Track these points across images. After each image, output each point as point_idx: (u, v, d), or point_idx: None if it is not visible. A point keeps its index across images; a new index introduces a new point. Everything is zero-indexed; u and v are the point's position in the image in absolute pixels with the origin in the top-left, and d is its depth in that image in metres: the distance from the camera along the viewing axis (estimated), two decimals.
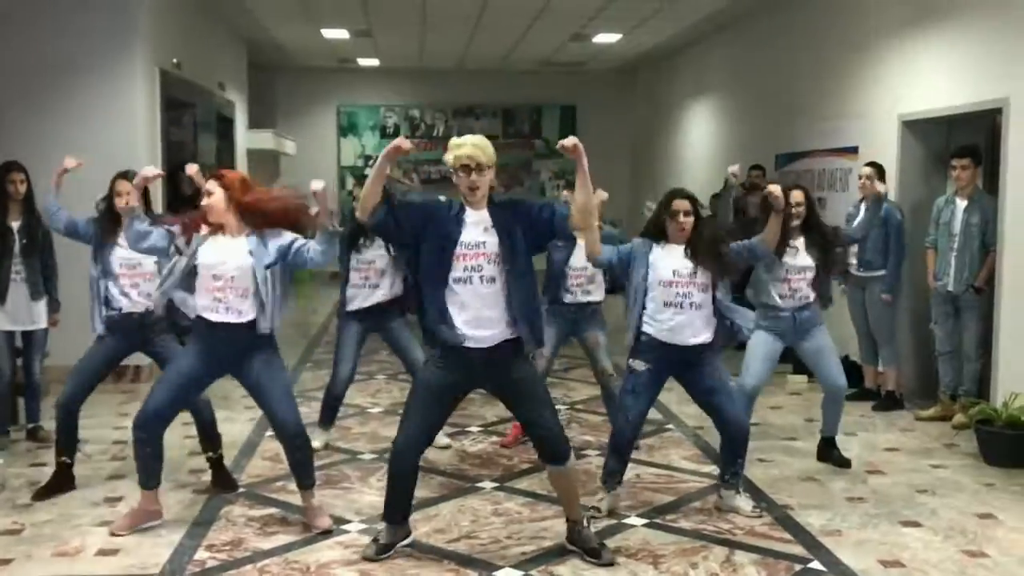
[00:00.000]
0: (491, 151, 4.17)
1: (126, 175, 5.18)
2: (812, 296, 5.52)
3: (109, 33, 8.10)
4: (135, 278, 5.13)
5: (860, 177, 6.93)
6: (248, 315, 4.45)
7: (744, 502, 4.95)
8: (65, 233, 5.34)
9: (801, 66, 9.74)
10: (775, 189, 4.95)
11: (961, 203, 6.65)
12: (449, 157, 4.16)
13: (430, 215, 4.20)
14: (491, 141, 4.24)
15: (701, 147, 13.32)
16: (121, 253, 5.12)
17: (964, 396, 6.63)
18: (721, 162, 12.05)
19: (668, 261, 4.74)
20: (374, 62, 15.80)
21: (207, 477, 5.36)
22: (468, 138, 4.18)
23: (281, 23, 12.20)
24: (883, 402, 7.19)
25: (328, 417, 6.14)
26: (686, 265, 4.71)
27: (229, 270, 4.43)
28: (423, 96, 17.03)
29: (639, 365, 4.81)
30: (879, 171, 6.90)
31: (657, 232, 4.82)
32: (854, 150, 8.44)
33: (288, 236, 4.52)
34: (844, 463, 5.75)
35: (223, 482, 5.26)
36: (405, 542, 4.38)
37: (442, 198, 4.39)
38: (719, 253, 4.74)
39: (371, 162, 16.97)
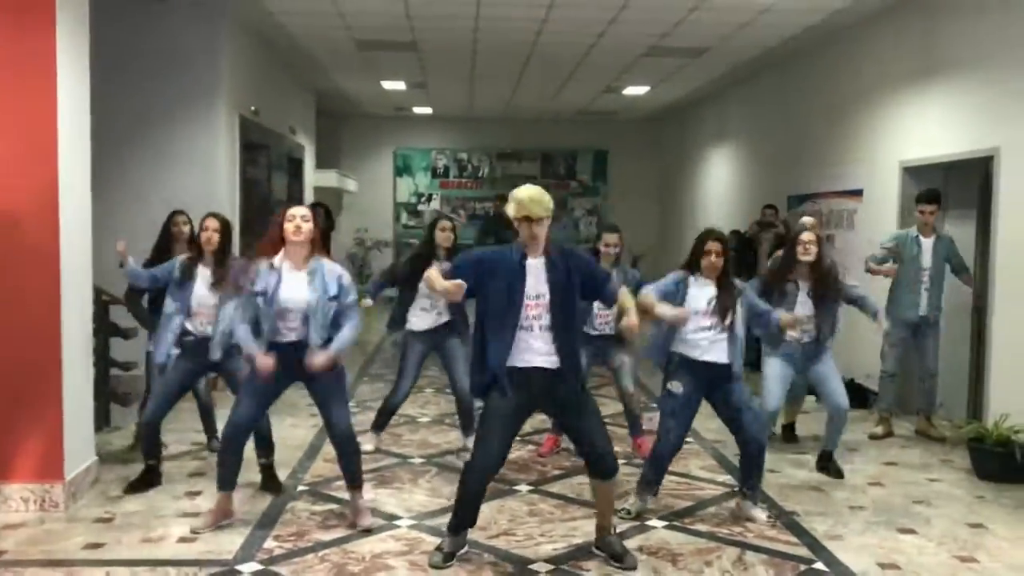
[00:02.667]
0: (549, 203, 4.12)
1: (215, 215, 5.31)
2: (815, 333, 5.59)
3: (197, 84, 8.30)
4: (209, 315, 5.17)
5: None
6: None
7: (760, 513, 4.94)
8: (149, 286, 5.41)
9: (811, 116, 9.75)
10: (789, 321, 5.16)
11: (927, 241, 6.68)
12: (511, 208, 4.11)
13: (494, 268, 4.14)
14: (530, 181, 4.23)
15: (721, 188, 13.32)
16: (199, 292, 5.17)
17: (940, 409, 6.67)
18: (739, 202, 12.09)
19: (703, 292, 4.78)
20: (427, 110, 15.97)
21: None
22: (527, 191, 4.11)
23: (346, 76, 12.39)
24: None
25: (382, 424, 6.22)
26: (710, 303, 4.77)
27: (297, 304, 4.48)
28: (471, 141, 17.18)
29: (676, 387, 4.82)
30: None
31: (693, 266, 4.87)
32: (859, 192, 8.43)
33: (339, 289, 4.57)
34: (839, 474, 5.74)
35: (270, 486, 5.31)
36: (463, 551, 4.34)
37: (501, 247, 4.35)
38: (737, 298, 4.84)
39: (423, 199, 17.19)
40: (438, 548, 4.30)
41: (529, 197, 4.08)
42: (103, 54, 5.82)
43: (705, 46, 9.95)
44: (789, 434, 6.70)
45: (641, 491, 4.98)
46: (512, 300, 4.08)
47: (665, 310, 4.57)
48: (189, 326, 5.17)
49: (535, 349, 4.11)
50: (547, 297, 4.10)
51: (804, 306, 5.58)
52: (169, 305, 5.20)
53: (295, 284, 4.48)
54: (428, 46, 10.26)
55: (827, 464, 5.81)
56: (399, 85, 13.06)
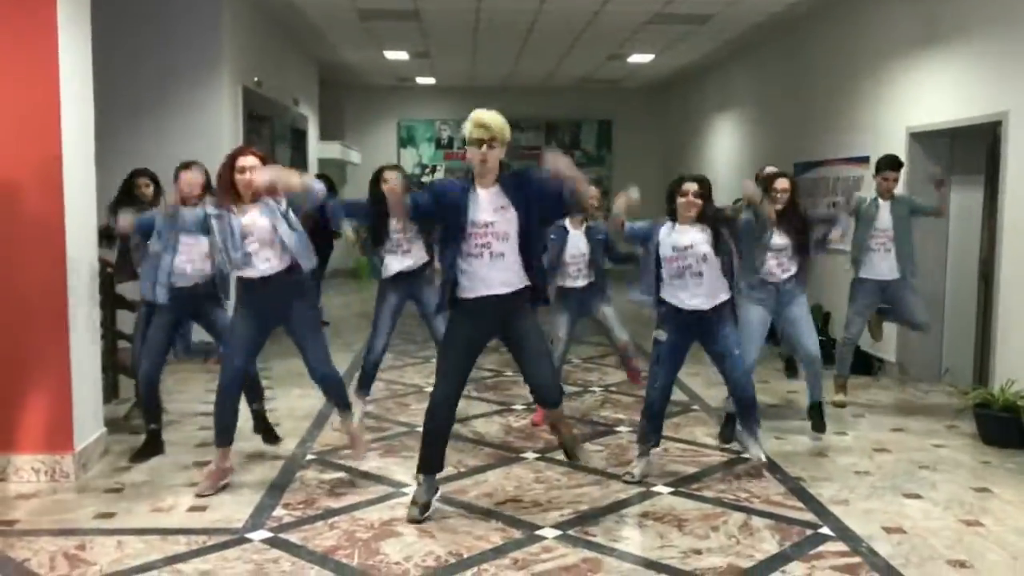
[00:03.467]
0: (498, 126, 4.06)
1: (188, 166, 5.31)
2: (794, 270, 5.61)
3: (200, 56, 8.28)
4: (190, 255, 5.19)
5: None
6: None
7: (755, 449, 5.07)
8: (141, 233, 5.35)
9: (817, 83, 9.68)
10: (750, 191, 5.22)
11: (884, 203, 6.61)
12: (467, 127, 4.10)
13: (444, 196, 4.19)
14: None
15: (726, 157, 13.26)
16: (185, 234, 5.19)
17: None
18: (745, 170, 12.02)
19: (682, 238, 4.78)
20: (430, 81, 15.89)
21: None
22: (475, 113, 4.09)
23: (349, 46, 12.33)
24: None
25: (365, 384, 6.09)
26: (689, 241, 4.76)
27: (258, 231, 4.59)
28: (473, 110, 17.07)
29: (660, 335, 4.88)
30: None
31: (670, 213, 4.89)
32: (865, 159, 8.37)
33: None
34: (820, 428, 5.83)
35: (266, 434, 5.49)
36: (436, 496, 4.41)
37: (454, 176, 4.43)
38: (724, 227, 4.86)
39: (427, 170, 17.12)
40: (412, 502, 4.37)
41: (476, 119, 4.07)
42: (105, 27, 5.78)
43: (710, 12, 9.86)
44: (793, 370, 6.81)
45: (641, 449, 5.02)
46: (459, 227, 4.13)
47: (618, 202, 4.80)
48: (177, 267, 5.17)
49: (485, 278, 4.15)
50: (496, 225, 4.11)
51: (780, 239, 5.59)
52: (155, 244, 5.19)
53: (252, 216, 4.59)
54: (430, 15, 10.19)
55: (812, 414, 5.89)
56: (402, 55, 12.99)
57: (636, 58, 13.12)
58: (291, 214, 4.68)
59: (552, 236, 5.76)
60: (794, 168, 10.00)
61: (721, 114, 13.56)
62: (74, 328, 4.95)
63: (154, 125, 8.09)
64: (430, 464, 4.38)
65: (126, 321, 6.71)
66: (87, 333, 5.18)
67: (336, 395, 5.01)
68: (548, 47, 12.20)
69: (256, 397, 5.52)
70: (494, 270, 4.15)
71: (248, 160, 4.64)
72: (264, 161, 4.69)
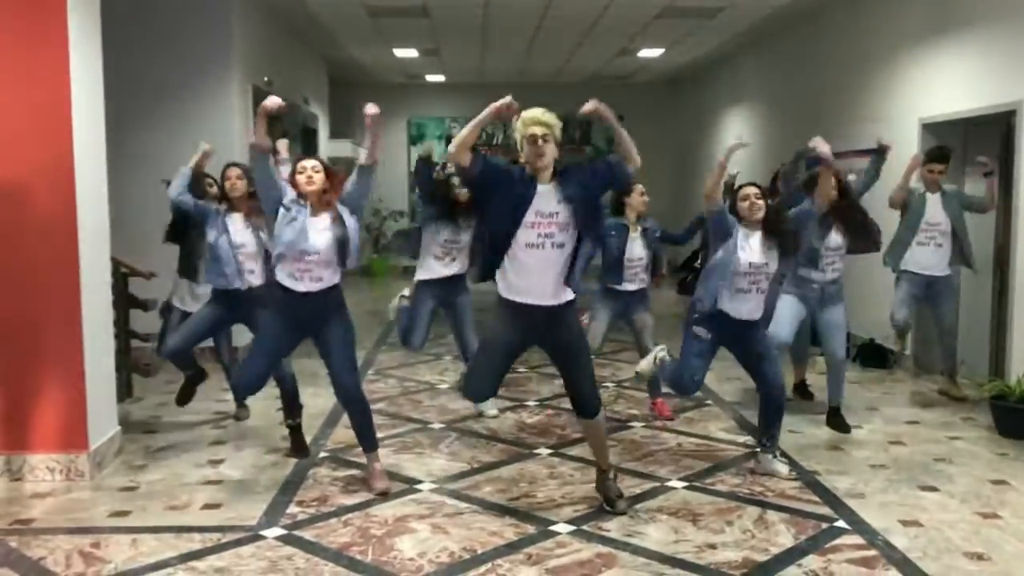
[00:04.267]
0: (551, 121, 4.10)
1: (236, 164, 5.38)
2: (842, 271, 5.65)
3: (210, 56, 8.28)
4: (241, 258, 5.24)
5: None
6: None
7: (780, 466, 4.94)
8: (189, 210, 5.37)
9: (827, 74, 9.62)
10: (823, 148, 5.08)
11: (933, 196, 6.42)
12: (520, 127, 4.11)
13: (507, 175, 4.15)
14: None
15: (738, 151, 13.16)
16: (233, 236, 5.24)
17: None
18: (756, 164, 11.96)
19: (751, 243, 4.72)
20: (440, 78, 15.88)
21: None
22: (528, 111, 4.11)
23: (358, 44, 12.33)
24: None
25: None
26: (762, 257, 4.71)
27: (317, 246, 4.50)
28: (484, 108, 17.05)
29: (703, 332, 4.82)
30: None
31: (740, 220, 4.80)
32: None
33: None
34: (846, 429, 5.77)
35: (298, 447, 5.36)
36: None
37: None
38: (786, 229, 4.75)
39: (437, 168, 17.02)
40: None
41: (531, 117, 4.10)
42: (115, 28, 5.79)
43: (720, 6, 9.81)
44: (803, 392, 6.69)
45: (654, 381, 5.50)
46: (520, 216, 4.06)
47: (735, 145, 4.86)
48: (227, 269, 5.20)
49: (539, 272, 4.09)
50: (560, 216, 4.08)
51: (838, 238, 5.65)
52: (211, 235, 5.23)
53: (318, 229, 4.50)
54: (440, 12, 10.18)
55: (834, 420, 5.84)
56: (411, 53, 12.99)
57: (646, 53, 13.08)
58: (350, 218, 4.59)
59: (612, 232, 5.70)
60: (807, 162, 9.94)
61: (732, 108, 13.50)
62: (87, 328, 4.96)
63: (165, 125, 8.10)
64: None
65: (140, 321, 6.75)
66: (101, 333, 5.19)
67: (361, 425, 4.77)
68: (558, 43, 12.17)
69: (293, 413, 5.39)
70: (548, 264, 4.09)
71: (308, 162, 4.61)
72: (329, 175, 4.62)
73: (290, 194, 4.56)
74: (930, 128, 7.50)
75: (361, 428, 4.77)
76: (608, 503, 4.42)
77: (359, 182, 4.63)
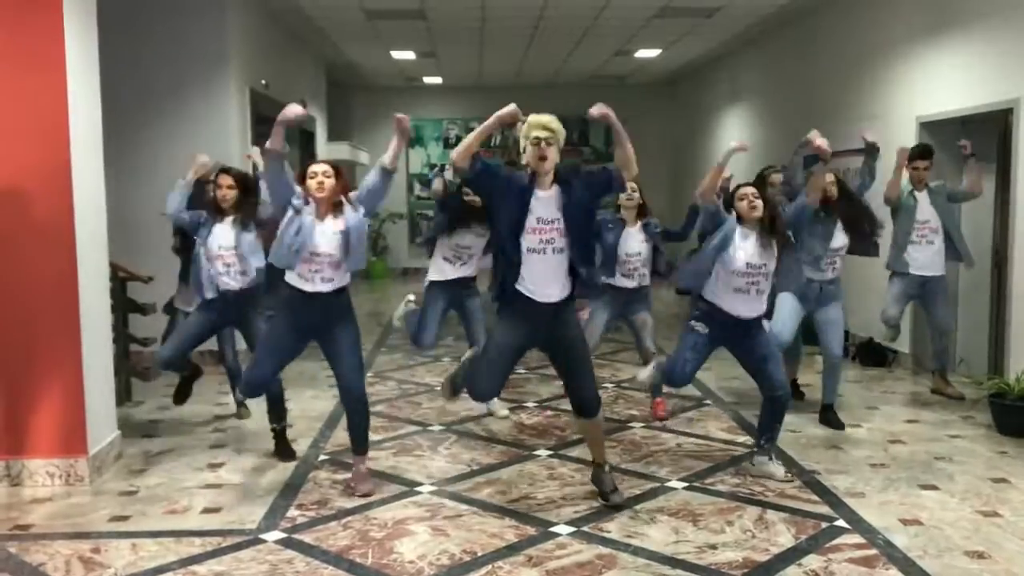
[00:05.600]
0: (556, 127, 4.20)
1: (228, 170, 5.32)
2: (840, 271, 5.72)
3: (207, 59, 8.27)
4: (228, 260, 5.19)
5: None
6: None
7: (776, 468, 4.93)
8: (184, 225, 5.35)
9: (825, 73, 9.63)
10: (820, 141, 5.13)
11: (921, 194, 6.43)
12: (525, 128, 4.20)
13: (510, 178, 4.25)
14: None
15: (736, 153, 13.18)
16: (218, 236, 5.19)
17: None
18: (753, 163, 11.96)
19: (748, 243, 4.71)
20: (437, 80, 15.89)
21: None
22: (533, 116, 4.22)
23: (355, 46, 12.33)
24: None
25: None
26: (760, 258, 4.69)
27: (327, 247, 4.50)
28: (482, 110, 16.82)
29: (701, 328, 4.81)
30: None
31: (738, 219, 4.80)
32: None
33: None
34: (840, 426, 5.82)
35: (283, 452, 5.34)
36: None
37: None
38: (781, 229, 4.78)
39: (435, 168, 17.06)
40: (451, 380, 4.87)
41: (537, 122, 4.21)
42: (111, 31, 5.78)
43: (716, 5, 9.82)
44: (794, 390, 6.69)
45: (653, 381, 5.37)
46: (521, 222, 4.16)
47: (734, 145, 4.86)
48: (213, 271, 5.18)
49: (543, 276, 4.19)
50: (560, 222, 4.18)
51: (842, 239, 5.74)
52: (198, 248, 5.25)
53: (327, 232, 4.49)
54: (436, 14, 10.18)
55: (828, 417, 5.88)
56: (408, 55, 12.99)
57: (643, 53, 13.08)
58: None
59: (609, 225, 5.74)
60: (804, 160, 9.95)
61: (730, 107, 13.50)
62: (86, 333, 4.95)
63: (162, 128, 8.10)
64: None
65: (138, 325, 6.75)
66: (99, 337, 5.19)
67: (358, 427, 4.77)
68: (554, 44, 12.18)
69: (278, 417, 5.38)
70: (551, 267, 4.20)
71: (319, 166, 4.59)
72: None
73: (298, 194, 4.56)
74: (928, 126, 7.51)
75: (359, 430, 4.77)
76: (602, 496, 4.48)
77: (381, 184, 4.61)
